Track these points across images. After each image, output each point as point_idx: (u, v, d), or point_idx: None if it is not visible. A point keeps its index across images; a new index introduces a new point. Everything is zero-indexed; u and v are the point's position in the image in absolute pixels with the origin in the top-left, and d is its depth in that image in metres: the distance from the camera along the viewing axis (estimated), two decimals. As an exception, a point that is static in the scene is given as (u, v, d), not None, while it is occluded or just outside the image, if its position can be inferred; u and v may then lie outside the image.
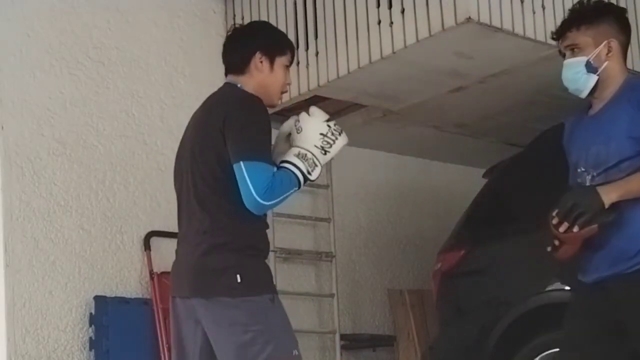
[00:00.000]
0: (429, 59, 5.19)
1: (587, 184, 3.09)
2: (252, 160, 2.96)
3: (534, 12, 5.01)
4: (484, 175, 5.19)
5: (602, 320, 3.06)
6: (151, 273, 5.31)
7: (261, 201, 2.93)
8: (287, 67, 3.27)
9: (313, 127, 3.11)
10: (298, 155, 3.06)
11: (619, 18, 3.18)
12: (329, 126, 3.12)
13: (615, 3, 5.31)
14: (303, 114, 3.17)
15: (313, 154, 3.07)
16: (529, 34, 4.98)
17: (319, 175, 3.10)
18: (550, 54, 5.17)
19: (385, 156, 6.84)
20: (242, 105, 3.08)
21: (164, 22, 5.75)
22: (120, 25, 5.57)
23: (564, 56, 3.18)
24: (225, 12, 6.02)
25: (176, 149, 3.33)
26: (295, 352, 3.03)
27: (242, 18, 5.88)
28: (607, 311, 3.04)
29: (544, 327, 4.25)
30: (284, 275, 6.04)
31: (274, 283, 6.18)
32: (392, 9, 5.09)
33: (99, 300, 5.16)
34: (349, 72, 5.32)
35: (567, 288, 4.22)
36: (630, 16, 5.54)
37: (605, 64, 3.09)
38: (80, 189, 5.25)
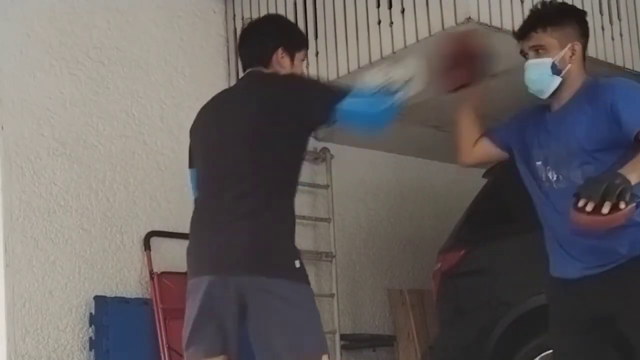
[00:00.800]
0: (429, 59, 5.18)
1: (550, 181, 3.13)
2: (343, 97, 2.98)
3: (534, 12, 5.00)
4: (484, 175, 5.18)
5: (585, 317, 3.08)
6: (151, 273, 5.31)
7: (388, 101, 2.98)
8: (303, 61, 3.32)
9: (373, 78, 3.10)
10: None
11: (582, 21, 3.21)
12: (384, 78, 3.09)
13: (598, 3, 5.34)
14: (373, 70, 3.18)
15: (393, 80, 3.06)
16: (529, 34, 4.96)
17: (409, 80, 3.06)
18: (550, 54, 5.18)
19: (385, 156, 6.84)
20: (294, 77, 3.17)
21: (164, 22, 5.75)
22: (120, 25, 5.57)
23: (525, 56, 3.21)
24: (225, 12, 6.02)
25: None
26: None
27: (242, 18, 5.88)
28: (590, 307, 3.06)
29: (544, 327, 4.24)
30: (284, 275, 6.04)
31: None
32: (392, 9, 5.09)
33: (99, 300, 5.16)
34: (349, 72, 5.31)
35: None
36: (630, 16, 5.56)
37: (569, 66, 3.13)
38: (80, 189, 5.25)
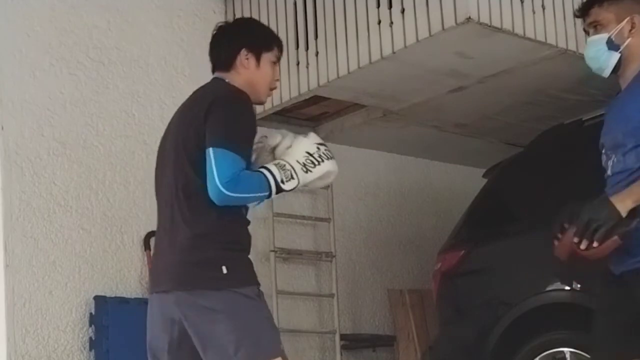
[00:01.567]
0: (429, 59, 5.19)
1: (609, 168, 2.98)
2: (223, 148, 2.90)
3: (534, 12, 5.01)
4: (484, 175, 5.19)
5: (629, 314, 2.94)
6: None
7: (223, 189, 2.85)
8: (275, 63, 3.24)
9: (301, 145, 3.08)
10: (277, 165, 3.02)
11: None
12: (318, 148, 3.09)
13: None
14: (298, 135, 3.15)
15: (292, 167, 3.03)
16: (529, 34, 4.97)
17: (294, 188, 3.03)
18: (550, 54, 5.18)
19: (385, 156, 6.84)
20: (227, 98, 3.05)
21: (164, 22, 5.75)
22: (120, 25, 5.57)
23: (588, 34, 3.09)
24: (225, 12, 6.01)
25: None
26: (282, 345, 3.00)
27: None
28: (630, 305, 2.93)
29: (544, 327, 4.25)
30: (284, 275, 6.04)
31: (274, 283, 6.22)
32: (392, 9, 5.09)
33: (99, 300, 5.16)
34: (349, 72, 5.32)
35: (567, 288, 4.23)
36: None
37: (628, 40, 2.97)
38: (80, 189, 5.25)
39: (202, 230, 2.96)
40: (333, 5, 5.41)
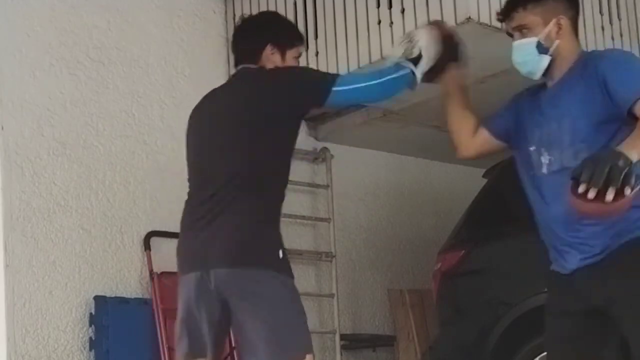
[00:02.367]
0: (429, 59, 5.18)
1: (543, 166, 2.96)
2: (334, 79, 3.05)
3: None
4: (484, 175, 5.18)
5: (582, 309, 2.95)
6: (151, 273, 5.31)
7: (378, 81, 3.06)
8: (296, 58, 3.30)
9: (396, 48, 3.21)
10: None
11: None
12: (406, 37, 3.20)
13: (598, 3, 5.33)
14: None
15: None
16: (529, 34, 4.97)
17: (421, 56, 3.13)
18: (550, 54, 5.18)
19: (385, 156, 6.84)
20: (279, 70, 3.17)
21: (164, 22, 5.75)
22: (120, 25, 5.57)
23: (512, 36, 3.06)
24: (225, 12, 6.02)
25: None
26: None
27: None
28: (587, 297, 2.92)
29: (544, 327, 4.25)
30: (284, 275, 6.04)
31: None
32: (392, 9, 5.09)
33: (99, 300, 5.16)
34: (349, 72, 5.32)
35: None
36: (630, 16, 5.56)
37: (557, 42, 2.96)
38: (80, 189, 5.25)
39: (264, 213, 3.01)
40: (333, 5, 5.41)
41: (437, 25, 3.30)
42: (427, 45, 3.15)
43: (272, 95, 3.05)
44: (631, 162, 2.54)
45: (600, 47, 5.22)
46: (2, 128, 5.05)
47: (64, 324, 5.08)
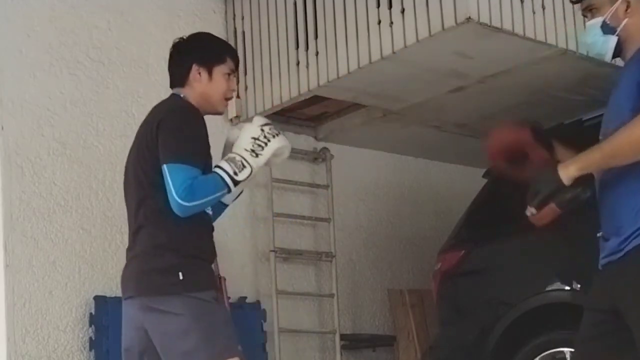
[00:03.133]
0: (429, 59, 5.19)
1: None
2: (175, 162, 3.07)
3: (534, 12, 5.01)
4: (484, 175, 5.18)
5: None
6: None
7: (181, 202, 3.03)
8: (229, 74, 3.33)
9: (246, 132, 3.21)
10: (227, 159, 3.16)
11: None
12: (262, 130, 3.20)
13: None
14: (244, 124, 3.30)
15: (242, 157, 3.15)
16: (529, 34, 4.97)
17: (250, 176, 3.16)
18: (550, 54, 5.18)
19: (385, 156, 6.83)
20: (174, 112, 3.20)
21: (164, 22, 5.75)
22: (120, 25, 5.57)
23: (587, 18, 2.98)
24: (225, 12, 6.02)
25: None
26: (239, 346, 3.11)
27: (242, 18, 5.89)
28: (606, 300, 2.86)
29: (544, 327, 4.25)
30: (284, 275, 6.04)
31: (274, 283, 6.22)
32: (392, 9, 5.09)
33: (99, 300, 5.16)
34: (349, 72, 5.32)
35: (567, 288, 4.23)
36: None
37: (625, 21, 2.84)
38: (80, 189, 5.25)
39: (160, 240, 3.12)
40: (333, 5, 5.41)
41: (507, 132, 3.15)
42: (264, 163, 3.19)
43: (149, 137, 3.17)
44: (555, 179, 2.68)
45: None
46: (2, 128, 5.04)
47: (64, 324, 5.08)
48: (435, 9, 4.85)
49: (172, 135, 3.11)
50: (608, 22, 2.88)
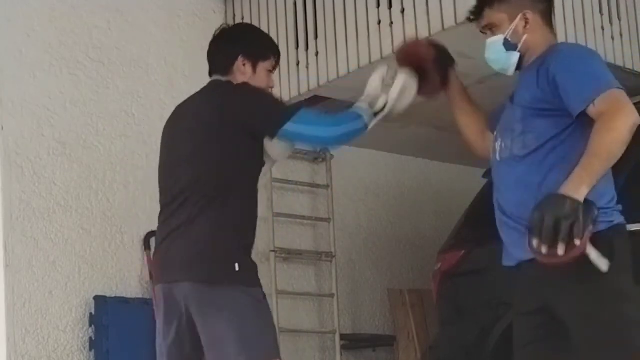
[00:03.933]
0: (429, 59, 5.18)
1: (496, 152, 2.99)
2: (291, 117, 3.06)
3: (534, 12, 5.01)
4: (484, 175, 5.18)
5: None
6: (151, 273, 5.31)
7: (331, 129, 3.14)
8: (270, 71, 3.31)
9: (373, 79, 3.36)
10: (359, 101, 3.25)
11: None
12: (387, 73, 3.29)
13: (598, 3, 5.32)
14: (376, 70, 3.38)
15: (372, 94, 3.27)
16: (529, 34, 4.97)
17: (385, 107, 3.31)
18: (550, 54, 5.18)
19: (385, 156, 6.84)
20: (242, 88, 3.16)
21: (164, 22, 5.75)
22: (120, 25, 5.57)
23: (486, 35, 3.07)
24: (225, 12, 6.02)
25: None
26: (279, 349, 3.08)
27: (242, 18, 5.89)
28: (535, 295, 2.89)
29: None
30: (284, 275, 6.04)
31: (274, 283, 6.22)
32: (392, 9, 5.09)
33: (99, 300, 5.16)
34: (349, 72, 5.32)
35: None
36: (630, 16, 5.56)
37: (525, 37, 2.95)
38: (80, 189, 5.25)
39: (221, 226, 3.00)
40: (333, 5, 5.41)
41: (416, 44, 3.36)
42: (397, 97, 3.26)
43: (229, 113, 3.08)
44: (580, 203, 2.57)
45: (600, 47, 5.23)
46: (2, 128, 5.05)
47: (64, 324, 5.08)
48: (435, 9, 4.85)
49: (260, 103, 3.11)
50: (509, 39, 2.98)
